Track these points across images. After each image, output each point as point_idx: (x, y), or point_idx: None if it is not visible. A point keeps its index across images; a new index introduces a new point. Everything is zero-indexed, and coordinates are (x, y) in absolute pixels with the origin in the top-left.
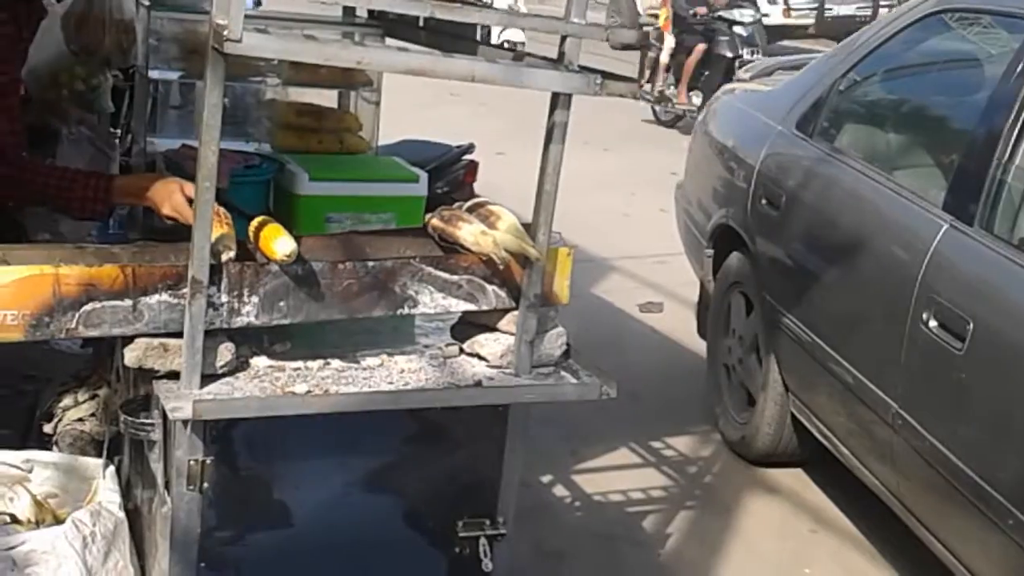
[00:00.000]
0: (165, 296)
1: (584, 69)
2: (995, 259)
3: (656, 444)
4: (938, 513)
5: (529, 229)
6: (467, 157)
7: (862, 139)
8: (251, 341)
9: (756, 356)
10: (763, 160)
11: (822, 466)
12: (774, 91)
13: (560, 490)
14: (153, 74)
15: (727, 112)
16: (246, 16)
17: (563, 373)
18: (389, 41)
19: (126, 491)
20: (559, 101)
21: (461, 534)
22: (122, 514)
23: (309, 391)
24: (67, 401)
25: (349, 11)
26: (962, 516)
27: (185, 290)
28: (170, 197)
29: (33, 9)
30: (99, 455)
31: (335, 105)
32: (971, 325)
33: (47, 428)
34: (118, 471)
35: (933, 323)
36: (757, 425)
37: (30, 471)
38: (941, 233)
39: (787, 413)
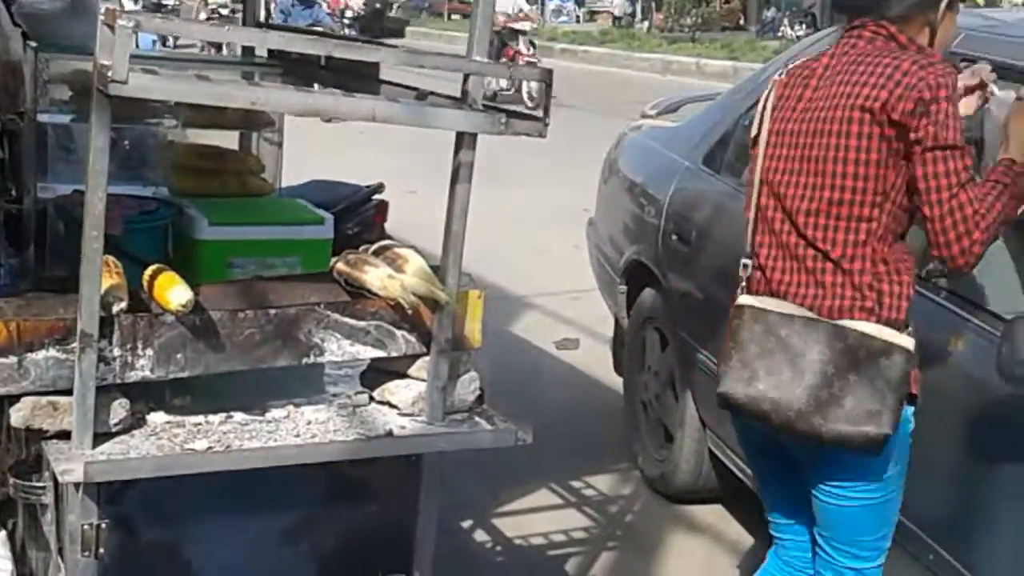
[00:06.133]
0: (53, 351)
1: (488, 108)
2: None
3: (576, 484)
4: None
5: (438, 271)
6: (377, 197)
7: None
8: (149, 396)
9: (672, 392)
10: (672, 196)
11: (742, 501)
12: (681, 127)
13: (481, 535)
14: (43, 117)
15: (635, 148)
16: (140, 56)
17: (477, 419)
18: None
19: (20, 557)
20: (464, 141)
21: None
22: None
23: (210, 447)
24: None
25: (248, 51)
26: None
27: (74, 345)
28: None
29: None
30: None
31: (236, 147)
32: None
33: None
34: (11, 536)
35: None
36: (675, 462)
37: None
38: None
39: (705, 449)
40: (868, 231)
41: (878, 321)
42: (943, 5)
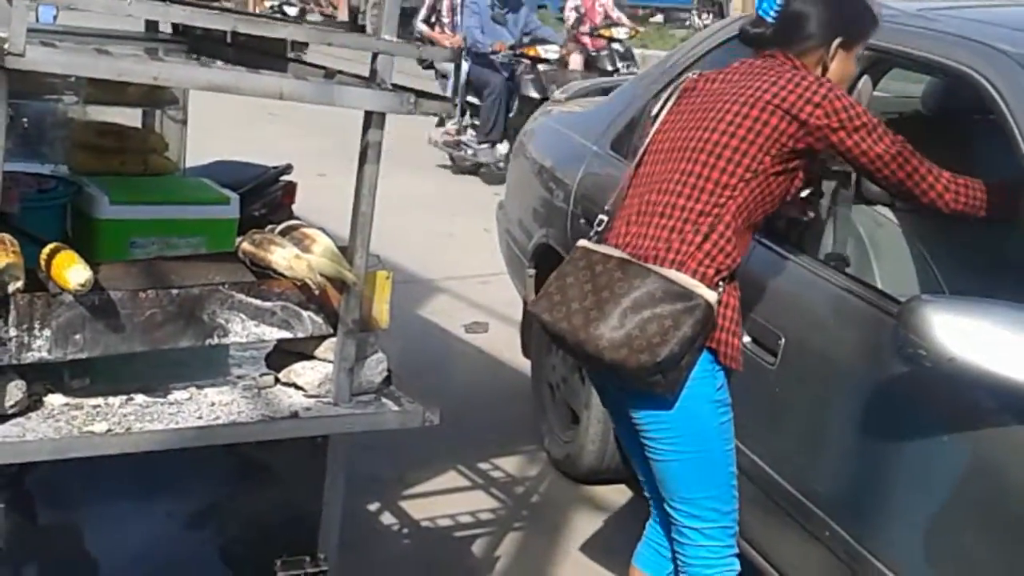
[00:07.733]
0: None
1: (397, 88)
2: (802, 275)
3: (484, 466)
4: (760, 526)
5: (346, 252)
6: (285, 178)
7: None
8: (46, 378)
9: (579, 374)
10: (580, 180)
11: None
12: (589, 112)
13: (388, 518)
14: None
15: (545, 133)
16: (39, 30)
17: (384, 400)
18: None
19: None
20: (372, 120)
21: (279, 574)
22: None
23: (109, 430)
24: None
25: (153, 26)
26: (782, 529)
27: None
28: None
29: None
30: None
31: (139, 124)
32: (783, 340)
33: None
34: None
35: (747, 338)
36: (581, 443)
37: None
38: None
39: (610, 430)
40: (729, 197)
41: (685, 271)
42: (835, 44)
